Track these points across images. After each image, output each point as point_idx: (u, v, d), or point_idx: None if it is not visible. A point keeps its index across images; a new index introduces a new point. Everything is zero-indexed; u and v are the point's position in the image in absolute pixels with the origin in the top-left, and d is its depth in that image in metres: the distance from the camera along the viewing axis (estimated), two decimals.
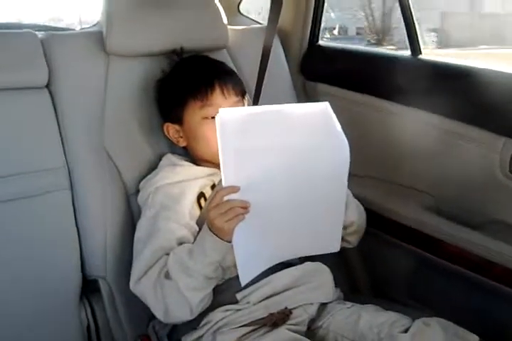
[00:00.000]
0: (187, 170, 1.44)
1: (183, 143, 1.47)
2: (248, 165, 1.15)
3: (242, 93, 1.46)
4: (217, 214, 1.16)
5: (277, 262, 1.33)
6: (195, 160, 1.47)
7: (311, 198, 1.24)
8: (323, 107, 1.24)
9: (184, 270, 1.23)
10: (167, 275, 1.26)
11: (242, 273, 1.21)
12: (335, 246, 1.35)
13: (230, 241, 1.18)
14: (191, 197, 1.38)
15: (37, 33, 1.51)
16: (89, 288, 1.49)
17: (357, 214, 1.47)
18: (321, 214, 1.28)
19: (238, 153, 1.13)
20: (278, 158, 1.17)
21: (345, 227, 1.41)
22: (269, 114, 1.21)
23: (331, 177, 1.25)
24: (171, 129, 1.47)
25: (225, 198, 1.15)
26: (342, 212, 1.31)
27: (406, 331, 1.24)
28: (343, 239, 1.43)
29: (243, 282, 1.23)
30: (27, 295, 1.40)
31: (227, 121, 1.13)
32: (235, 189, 1.14)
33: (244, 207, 1.15)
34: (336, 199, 1.29)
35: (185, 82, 1.43)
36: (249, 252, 1.21)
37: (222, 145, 1.12)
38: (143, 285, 1.29)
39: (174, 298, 1.24)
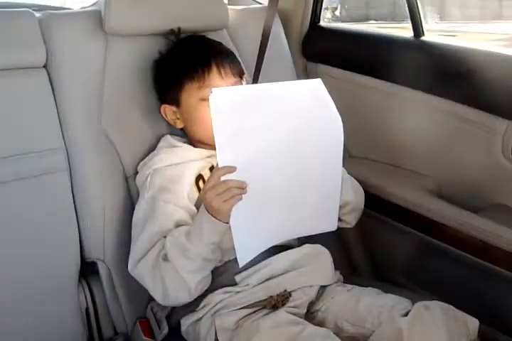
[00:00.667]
0: (185, 151, 1.43)
1: (180, 125, 1.46)
2: (244, 145, 1.15)
3: (240, 74, 1.44)
4: (213, 194, 1.15)
5: (275, 243, 1.33)
6: (193, 142, 1.46)
7: (308, 176, 1.24)
8: (316, 84, 1.24)
9: (182, 252, 1.23)
10: (165, 258, 1.26)
11: (240, 254, 1.21)
12: (332, 225, 1.35)
13: (227, 222, 1.18)
14: (190, 179, 1.37)
15: (34, 12, 1.49)
16: (87, 270, 1.49)
17: (352, 193, 1.45)
18: (317, 193, 1.28)
19: (233, 133, 1.13)
20: (273, 137, 1.17)
21: (341, 207, 1.40)
22: (263, 92, 1.21)
23: (326, 154, 1.25)
24: (168, 111, 1.46)
25: (222, 179, 1.15)
26: (338, 189, 1.31)
27: (406, 314, 1.24)
28: (340, 219, 1.44)
29: (241, 263, 1.23)
30: (25, 277, 1.40)
31: (221, 101, 1.13)
32: (231, 169, 1.14)
33: (241, 187, 1.15)
34: (332, 177, 1.29)
35: (182, 63, 1.42)
36: (247, 233, 1.21)
37: (217, 125, 1.12)
38: (141, 268, 1.30)
39: (172, 280, 1.24)
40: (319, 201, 1.30)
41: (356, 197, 1.47)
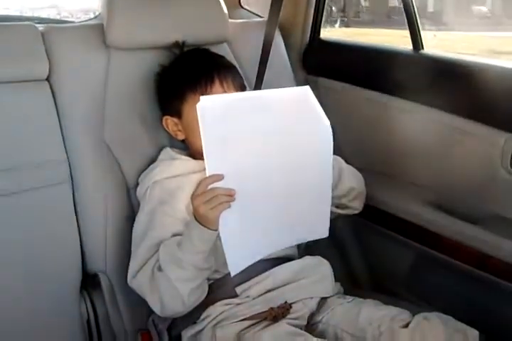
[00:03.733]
0: (185, 164, 1.43)
1: (181, 137, 1.47)
2: (231, 153, 1.15)
3: (241, 86, 1.45)
4: (201, 202, 1.16)
5: (269, 253, 1.33)
6: (194, 154, 1.46)
7: (297, 183, 1.25)
8: (304, 91, 1.25)
9: (174, 261, 1.23)
10: (160, 268, 1.26)
11: (230, 263, 1.21)
12: (324, 232, 1.35)
13: (216, 230, 1.18)
14: (189, 191, 1.36)
15: (37, 25, 1.50)
16: (89, 282, 1.49)
17: (354, 180, 1.47)
18: (308, 200, 1.29)
19: (220, 140, 1.13)
20: (261, 144, 1.18)
21: (346, 194, 1.44)
22: (250, 100, 1.22)
23: (315, 161, 1.26)
24: (170, 122, 1.46)
25: (210, 186, 1.15)
26: (329, 196, 1.32)
27: (406, 326, 1.25)
28: (348, 207, 1.47)
29: (233, 272, 1.23)
30: (27, 290, 1.40)
31: (208, 108, 1.13)
32: (218, 177, 1.15)
33: (229, 195, 1.15)
34: (322, 184, 1.30)
35: (185, 75, 1.43)
36: (238, 241, 1.21)
37: (204, 133, 1.12)
38: (139, 280, 1.30)
39: (166, 290, 1.25)
40: (310, 208, 1.30)
41: (358, 183, 1.49)
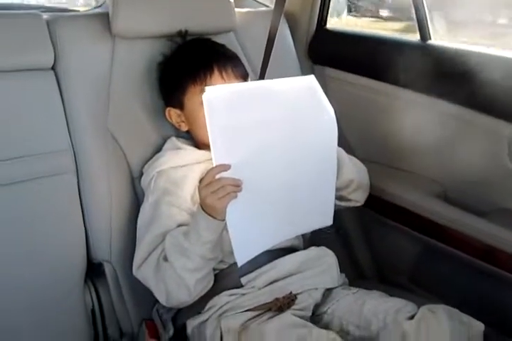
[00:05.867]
0: (190, 154, 1.43)
1: (185, 128, 1.47)
2: (238, 143, 1.15)
3: (243, 76, 1.44)
4: (208, 192, 1.16)
5: (275, 243, 1.33)
6: (199, 145, 1.46)
7: (303, 172, 1.25)
8: (309, 81, 1.26)
9: (180, 251, 1.23)
10: (165, 258, 1.26)
11: (237, 253, 1.21)
12: (328, 220, 1.36)
13: (223, 220, 1.18)
14: (194, 181, 1.37)
15: (42, 14, 1.49)
16: (94, 271, 1.50)
17: (355, 171, 1.45)
18: (312, 189, 1.29)
19: (226, 131, 1.13)
20: (267, 134, 1.18)
21: (346, 186, 1.42)
22: (256, 90, 1.22)
23: (320, 150, 1.26)
24: (173, 114, 1.46)
25: (217, 176, 1.15)
26: (333, 185, 1.32)
27: (412, 317, 1.24)
28: (349, 199, 1.46)
29: (240, 262, 1.23)
30: (32, 278, 1.40)
31: (214, 99, 1.13)
32: (225, 167, 1.14)
33: (236, 185, 1.15)
34: (327, 172, 1.30)
35: (184, 66, 1.42)
36: (244, 231, 1.21)
37: (210, 123, 1.12)
38: (144, 270, 1.30)
39: (172, 280, 1.25)
40: (315, 197, 1.30)
41: (359, 173, 1.47)
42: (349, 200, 1.48)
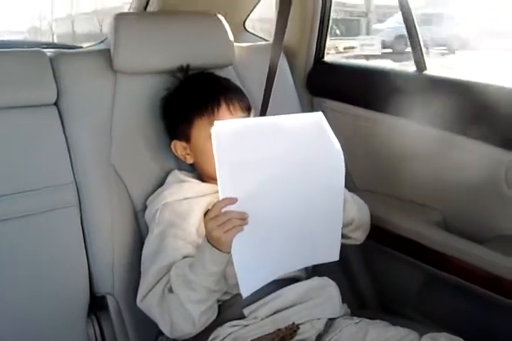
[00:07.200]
0: (194, 186, 1.44)
1: (190, 160, 1.48)
2: (245, 177, 1.16)
3: (248, 109, 1.46)
4: (214, 225, 1.17)
5: (280, 274, 1.33)
6: (203, 177, 1.47)
7: (309, 208, 1.25)
8: (317, 117, 1.27)
9: (185, 282, 1.24)
10: (170, 289, 1.26)
11: (242, 286, 1.21)
12: (335, 255, 1.35)
13: (229, 252, 1.18)
14: (199, 214, 1.38)
15: (45, 50, 1.53)
16: (97, 304, 1.49)
17: (356, 210, 1.45)
18: (319, 224, 1.29)
19: (234, 165, 1.14)
20: (274, 168, 1.19)
21: (346, 225, 1.42)
22: (265, 125, 1.24)
23: (327, 187, 1.26)
24: (179, 147, 1.47)
25: (223, 210, 1.16)
26: (340, 220, 1.32)
27: None
28: (349, 237, 1.47)
29: (244, 294, 1.23)
30: (35, 312, 1.40)
31: (223, 133, 1.14)
32: (232, 200, 1.15)
33: (243, 218, 1.16)
34: (334, 208, 1.30)
35: (192, 99, 1.43)
36: (250, 264, 1.21)
37: (218, 157, 1.13)
38: (149, 301, 1.30)
39: (177, 311, 1.25)
40: (321, 232, 1.30)
41: (360, 212, 1.48)
42: (349, 238, 1.48)
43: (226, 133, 1.15)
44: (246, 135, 1.18)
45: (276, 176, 1.19)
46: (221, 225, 1.16)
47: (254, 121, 1.29)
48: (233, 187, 1.15)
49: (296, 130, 1.23)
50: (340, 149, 1.25)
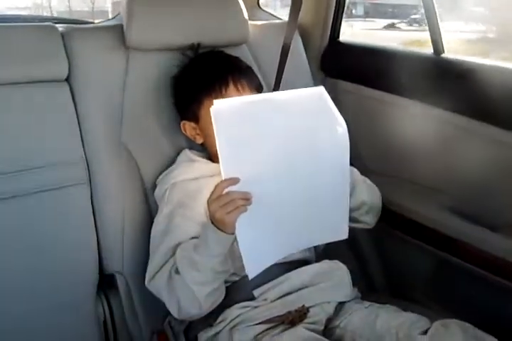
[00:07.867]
0: (204, 166, 1.43)
1: (200, 140, 1.47)
2: (247, 156, 1.15)
3: (257, 88, 1.45)
4: (217, 206, 1.16)
5: (286, 254, 1.32)
6: (212, 157, 1.46)
7: (315, 185, 1.24)
8: (319, 92, 1.24)
9: (191, 264, 1.23)
10: (177, 271, 1.26)
11: (248, 266, 1.20)
12: (343, 234, 1.35)
13: (233, 233, 1.18)
14: (207, 194, 1.35)
15: (57, 25, 1.51)
16: (106, 282, 1.50)
17: (366, 193, 1.45)
18: (325, 202, 1.28)
19: (235, 144, 1.13)
20: (277, 146, 1.17)
21: (357, 208, 1.42)
22: (265, 102, 1.21)
23: (332, 163, 1.25)
24: (188, 127, 1.46)
25: (226, 190, 1.15)
26: (347, 197, 1.31)
27: (425, 332, 1.23)
28: (359, 221, 1.46)
29: (250, 275, 1.23)
30: (44, 290, 1.41)
31: (221, 111, 1.13)
32: (234, 181, 1.14)
33: (246, 199, 1.15)
34: (340, 185, 1.29)
35: (199, 79, 1.42)
36: (255, 244, 1.20)
37: (219, 136, 1.12)
38: (157, 282, 1.30)
39: (183, 292, 1.25)
40: (328, 210, 1.29)
41: (372, 196, 1.47)
42: (359, 222, 1.48)
43: (225, 110, 1.13)
44: (246, 112, 1.16)
45: (279, 153, 1.18)
46: (224, 206, 1.15)
47: (254, 98, 1.26)
48: (235, 166, 1.14)
49: (298, 105, 1.21)
50: (345, 125, 1.23)
